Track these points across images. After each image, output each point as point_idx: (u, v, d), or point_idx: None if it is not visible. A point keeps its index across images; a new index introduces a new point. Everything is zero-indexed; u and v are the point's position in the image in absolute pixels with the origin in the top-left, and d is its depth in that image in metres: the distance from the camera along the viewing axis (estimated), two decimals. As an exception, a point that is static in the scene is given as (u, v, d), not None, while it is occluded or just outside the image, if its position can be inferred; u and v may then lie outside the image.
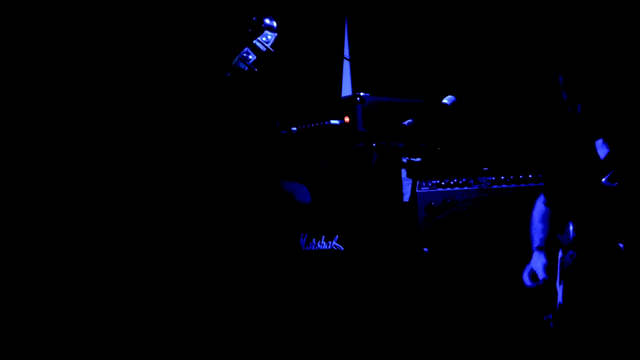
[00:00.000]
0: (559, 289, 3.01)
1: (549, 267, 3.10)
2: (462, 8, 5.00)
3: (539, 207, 3.35)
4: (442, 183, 4.37)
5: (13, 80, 5.27)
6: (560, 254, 3.06)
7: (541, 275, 3.10)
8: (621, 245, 2.86)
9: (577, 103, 3.00)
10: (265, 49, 3.78)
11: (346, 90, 5.42)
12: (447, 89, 3.97)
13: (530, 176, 4.22)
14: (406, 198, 4.47)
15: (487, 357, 4.01)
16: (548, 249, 3.17)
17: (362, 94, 4.37)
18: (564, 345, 2.96)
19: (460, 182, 4.36)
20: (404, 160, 4.41)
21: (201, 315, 3.71)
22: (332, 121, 4.35)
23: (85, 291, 4.76)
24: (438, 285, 4.23)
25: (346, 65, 5.44)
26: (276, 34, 3.78)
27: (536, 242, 3.22)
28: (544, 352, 3.03)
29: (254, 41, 3.79)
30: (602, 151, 3.04)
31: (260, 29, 3.79)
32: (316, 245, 4.03)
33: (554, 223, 3.25)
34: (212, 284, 3.70)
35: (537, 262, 3.15)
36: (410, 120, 3.81)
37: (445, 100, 3.71)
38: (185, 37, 5.52)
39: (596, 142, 3.06)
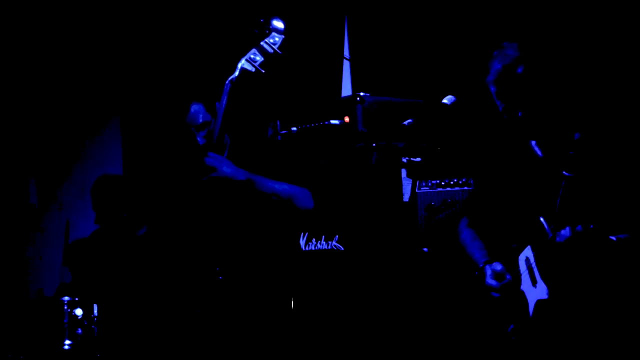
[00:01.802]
0: (538, 289, 3.02)
1: (509, 270, 3.12)
2: (462, 8, 5.00)
3: (467, 230, 3.40)
4: (442, 183, 4.37)
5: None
6: (528, 254, 3.07)
7: (507, 275, 3.11)
8: (613, 237, 2.87)
9: (515, 110, 3.05)
10: (272, 50, 3.77)
11: (346, 90, 5.42)
12: (447, 89, 3.97)
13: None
14: (406, 198, 4.48)
15: (487, 357, 4.01)
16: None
17: (362, 94, 4.37)
18: (556, 346, 2.97)
19: (460, 182, 4.36)
20: (404, 160, 4.41)
21: (200, 315, 3.71)
22: (332, 121, 4.35)
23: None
24: (438, 285, 4.23)
25: (346, 65, 5.44)
26: (283, 36, 3.77)
27: (482, 258, 3.24)
28: (541, 353, 3.03)
29: (261, 43, 3.78)
30: (539, 150, 3.09)
31: (268, 30, 3.78)
32: (316, 245, 4.03)
33: (485, 239, 3.30)
34: (211, 284, 3.71)
35: (496, 267, 3.15)
36: (410, 120, 3.81)
37: (445, 100, 3.71)
38: (193, 38, 5.52)
39: (532, 143, 3.11)
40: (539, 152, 3.12)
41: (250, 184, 3.76)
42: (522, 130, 3.12)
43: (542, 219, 2.98)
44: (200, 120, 3.92)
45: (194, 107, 3.94)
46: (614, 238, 2.88)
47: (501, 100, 3.09)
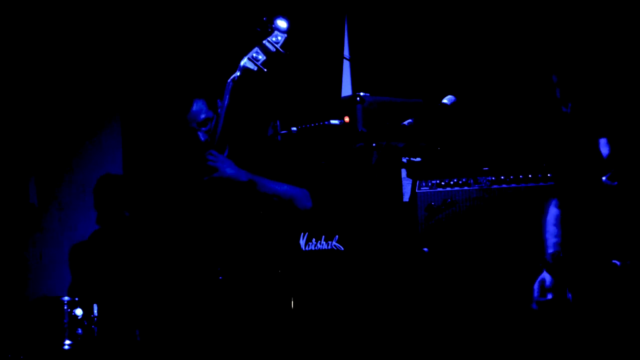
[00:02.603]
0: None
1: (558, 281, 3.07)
2: (462, 8, 5.00)
3: (553, 210, 3.29)
4: (442, 183, 4.37)
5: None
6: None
7: (549, 292, 3.06)
8: (617, 262, 2.81)
9: (569, 101, 2.97)
10: (274, 49, 3.75)
11: (346, 90, 5.42)
12: (447, 89, 3.97)
13: (530, 176, 4.23)
14: (406, 198, 4.47)
15: (486, 357, 4.01)
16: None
17: (362, 94, 4.36)
18: (559, 347, 2.96)
19: (460, 182, 4.36)
20: (404, 160, 4.40)
21: (201, 315, 3.71)
22: (332, 121, 4.35)
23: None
24: (438, 285, 4.23)
25: (346, 65, 5.44)
26: (286, 35, 3.76)
27: (551, 247, 3.16)
28: (541, 353, 3.02)
29: (264, 41, 3.77)
30: (604, 149, 2.99)
31: (271, 29, 3.77)
32: (316, 245, 4.03)
33: (564, 225, 3.20)
34: (212, 284, 3.71)
35: (546, 278, 3.11)
36: (410, 120, 3.81)
37: (445, 100, 3.70)
38: (195, 37, 5.51)
39: (600, 141, 3.01)
40: (603, 150, 3.01)
41: (252, 185, 3.76)
42: (586, 125, 3.00)
43: None
44: (203, 117, 3.92)
45: (197, 103, 3.93)
46: (617, 262, 2.81)
47: (562, 91, 2.98)
